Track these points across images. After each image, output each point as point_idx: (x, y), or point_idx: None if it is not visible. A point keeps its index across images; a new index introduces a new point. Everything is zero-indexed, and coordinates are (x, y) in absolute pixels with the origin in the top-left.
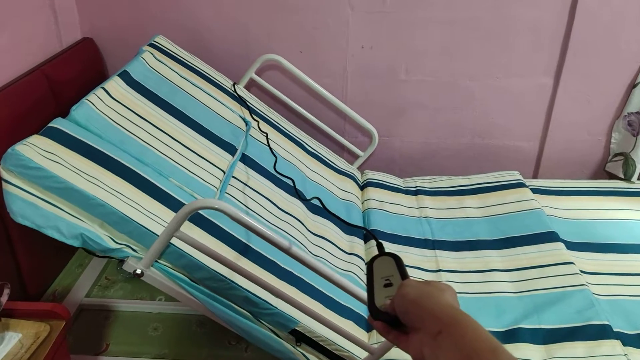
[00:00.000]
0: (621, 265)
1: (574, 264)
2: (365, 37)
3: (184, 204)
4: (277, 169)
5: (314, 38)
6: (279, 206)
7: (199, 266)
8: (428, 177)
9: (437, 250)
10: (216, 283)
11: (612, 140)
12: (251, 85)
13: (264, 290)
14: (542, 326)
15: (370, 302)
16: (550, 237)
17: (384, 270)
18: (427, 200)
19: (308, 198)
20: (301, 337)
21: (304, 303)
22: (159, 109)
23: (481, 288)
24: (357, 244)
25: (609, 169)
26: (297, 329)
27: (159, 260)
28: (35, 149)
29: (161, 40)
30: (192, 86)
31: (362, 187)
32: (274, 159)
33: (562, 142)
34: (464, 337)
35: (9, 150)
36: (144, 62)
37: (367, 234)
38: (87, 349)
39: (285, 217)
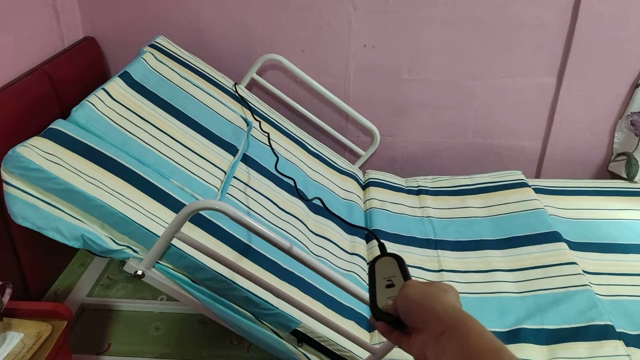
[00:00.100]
0: (624, 265)
1: (576, 264)
2: (368, 36)
3: (184, 205)
4: (278, 169)
5: (316, 37)
6: (280, 206)
7: (200, 267)
8: (430, 177)
9: (439, 250)
10: (217, 284)
11: (615, 140)
12: (252, 85)
13: (265, 291)
14: (545, 326)
15: (372, 303)
16: (553, 237)
17: (386, 270)
18: (429, 200)
19: (309, 198)
20: (303, 338)
21: (305, 303)
22: (159, 109)
23: (483, 288)
24: (358, 244)
25: (611, 169)
26: (298, 329)
27: (160, 261)
28: (36, 150)
29: (162, 41)
30: (193, 86)
31: (364, 187)
32: (275, 159)
33: (564, 141)
34: (467, 338)
35: (10, 152)
36: (144, 62)
37: (369, 234)
38: (89, 348)
39: (286, 218)
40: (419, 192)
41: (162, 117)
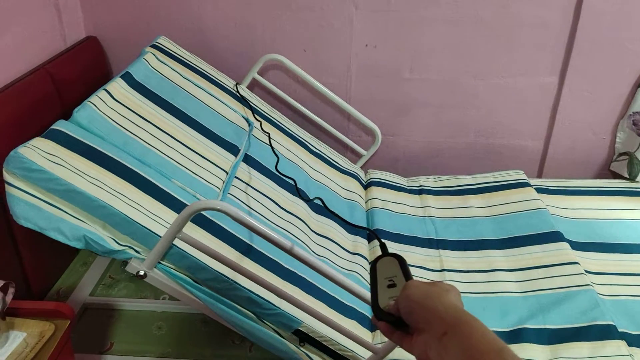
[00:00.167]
0: (626, 265)
1: (578, 263)
2: (370, 35)
3: (186, 205)
4: (279, 169)
5: (318, 37)
6: (282, 206)
7: (202, 267)
8: (432, 177)
9: (441, 250)
10: (219, 284)
11: (617, 140)
12: (254, 85)
13: (267, 291)
14: (547, 326)
15: (374, 303)
16: (555, 236)
17: (388, 270)
18: (431, 199)
19: (310, 198)
20: (305, 337)
21: (307, 303)
22: (161, 110)
23: (486, 288)
24: (360, 244)
25: (613, 169)
26: (300, 329)
27: (162, 262)
28: (38, 151)
29: (163, 41)
30: (195, 87)
31: (366, 187)
32: (276, 159)
33: (566, 141)
34: (470, 338)
35: (12, 152)
36: (146, 63)
37: (370, 234)
38: (91, 347)
39: (288, 217)
40: (420, 191)
41: (164, 117)
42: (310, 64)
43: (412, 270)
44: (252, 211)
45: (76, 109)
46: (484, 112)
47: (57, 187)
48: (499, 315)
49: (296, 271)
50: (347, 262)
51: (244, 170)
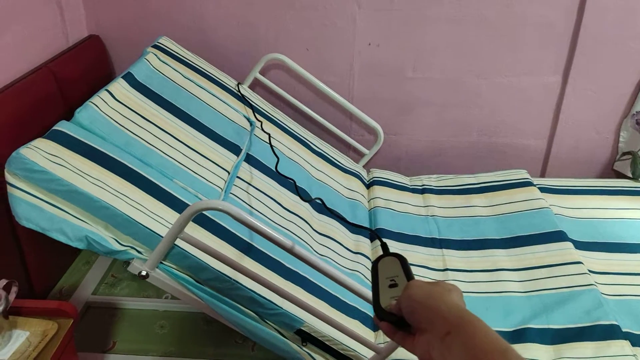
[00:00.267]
0: (630, 264)
1: (582, 263)
2: (372, 34)
3: (188, 205)
4: (281, 169)
5: (320, 36)
6: (284, 206)
7: (204, 267)
8: (435, 176)
9: (444, 249)
10: (221, 284)
11: (620, 139)
12: (256, 85)
13: (269, 291)
14: (551, 326)
15: (376, 303)
16: (558, 236)
17: (389, 270)
18: (433, 198)
19: (312, 198)
20: (307, 337)
21: (309, 303)
22: (163, 110)
23: (489, 287)
24: (363, 243)
25: (617, 168)
26: (302, 328)
27: (164, 262)
28: (40, 152)
29: (165, 42)
30: (196, 87)
31: (368, 186)
32: (277, 159)
33: (570, 140)
34: (473, 339)
35: (14, 153)
36: (147, 63)
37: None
38: (94, 346)
39: (290, 217)
40: (423, 191)
41: (166, 117)
42: (313, 63)
43: (415, 270)
44: (254, 211)
45: (78, 110)
46: (487, 111)
47: (59, 187)
48: (502, 315)
49: (298, 271)
50: (350, 261)
51: (245, 170)
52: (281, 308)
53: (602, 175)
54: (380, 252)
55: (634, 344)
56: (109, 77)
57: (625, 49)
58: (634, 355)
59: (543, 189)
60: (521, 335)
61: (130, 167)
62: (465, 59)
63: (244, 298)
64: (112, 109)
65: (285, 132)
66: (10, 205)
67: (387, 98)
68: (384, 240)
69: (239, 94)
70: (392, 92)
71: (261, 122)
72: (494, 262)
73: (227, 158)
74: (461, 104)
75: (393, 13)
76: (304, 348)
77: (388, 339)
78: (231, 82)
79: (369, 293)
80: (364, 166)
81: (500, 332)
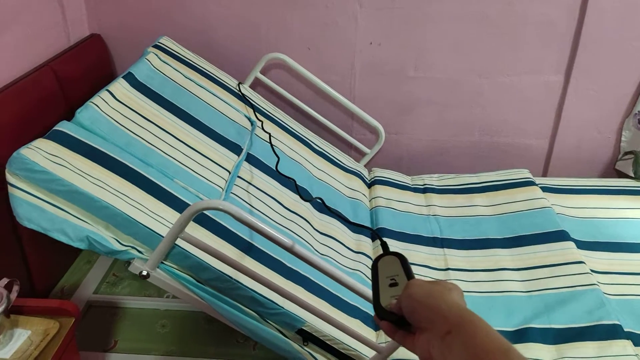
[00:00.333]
0: (632, 264)
1: (584, 263)
2: (374, 33)
3: (188, 205)
4: (281, 169)
5: (322, 35)
6: (285, 205)
7: (205, 267)
8: (436, 175)
9: (445, 249)
10: (222, 283)
11: (622, 139)
12: (257, 85)
13: (270, 290)
14: (553, 326)
15: (376, 302)
16: (560, 236)
17: (389, 269)
18: (435, 198)
19: (312, 197)
20: (308, 337)
21: (310, 302)
22: (163, 110)
23: (490, 287)
24: (364, 243)
25: (619, 168)
26: (304, 328)
27: (165, 262)
28: (40, 152)
29: (166, 42)
30: (197, 86)
31: (370, 185)
32: (277, 159)
33: (571, 140)
34: (474, 338)
35: (14, 154)
36: (148, 63)
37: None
38: (96, 345)
39: (291, 217)
40: (425, 190)
41: (166, 117)
42: (314, 62)
43: (417, 269)
44: (255, 210)
45: (78, 110)
46: (488, 110)
47: (60, 188)
48: (503, 315)
49: (299, 270)
50: (351, 261)
51: (246, 170)
52: (282, 308)
53: (604, 174)
54: (381, 252)
55: (636, 344)
56: (110, 76)
57: (627, 48)
58: (636, 355)
59: (545, 189)
60: (523, 335)
61: (130, 167)
62: (467, 58)
63: (245, 298)
64: (113, 109)
65: (286, 131)
66: (11, 205)
67: (389, 97)
68: (386, 239)
69: (240, 93)
70: (394, 91)
71: (262, 122)
72: (495, 262)
73: (227, 158)
74: (463, 103)
75: (394, 12)
76: (305, 348)
77: (389, 339)
78: (232, 82)
79: (370, 292)
80: (365, 165)
81: (502, 332)
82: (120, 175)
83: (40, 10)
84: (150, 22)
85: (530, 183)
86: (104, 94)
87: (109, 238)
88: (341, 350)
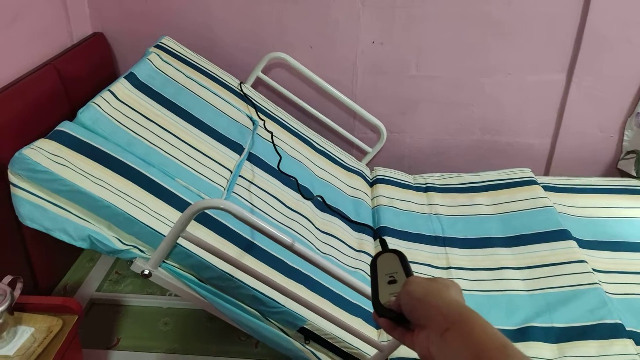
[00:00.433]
0: (634, 263)
1: (586, 262)
2: (376, 32)
3: (190, 204)
4: (283, 168)
5: (324, 33)
6: (287, 205)
7: (207, 266)
8: (438, 174)
9: (447, 248)
10: (224, 282)
11: (625, 138)
12: (258, 84)
13: (272, 289)
14: (554, 325)
15: (375, 299)
16: (562, 235)
17: (388, 267)
18: (437, 197)
19: (313, 196)
20: (310, 335)
21: (312, 301)
22: (165, 109)
23: (492, 286)
24: (366, 242)
25: (621, 167)
26: (305, 327)
27: (167, 261)
28: (42, 152)
29: (167, 41)
30: (199, 86)
31: (372, 184)
32: (279, 157)
33: (574, 139)
34: (472, 334)
35: (16, 154)
36: (150, 63)
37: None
38: (98, 343)
39: (293, 216)
40: (426, 189)
41: (168, 117)
42: (317, 60)
43: (419, 268)
44: (257, 210)
45: (80, 110)
46: (490, 109)
47: (62, 187)
48: (505, 314)
49: (301, 269)
50: (353, 259)
51: (248, 169)
52: (284, 306)
53: (606, 174)
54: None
55: (637, 343)
56: (113, 75)
57: (630, 47)
58: (638, 354)
59: (547, 188)
60: (524, 334)
61: (132, 167)
62: (469, 57)
63: (247, 296)
64: (115, 109)
65: (287, 130)
66: (13, 205)
67: (391, 96)
68: (388, 238)
69: (242, 93)
70: (396, 90)
71: (264, 121)
72: (497, 261)
73: (229, 157)
74: (465, 102)
75: (396, 11)
76: (307, 346)
77: (391, 337)
78: (233, 81)
79: (369, 290)
80: (367, 164)
81: (503, 331)
82: (121, 175)
83: (42, 8)
84: (152, 21)
85: (532, 182)
86: (105, 94)
87: (111, 237)
88: (343, 349)
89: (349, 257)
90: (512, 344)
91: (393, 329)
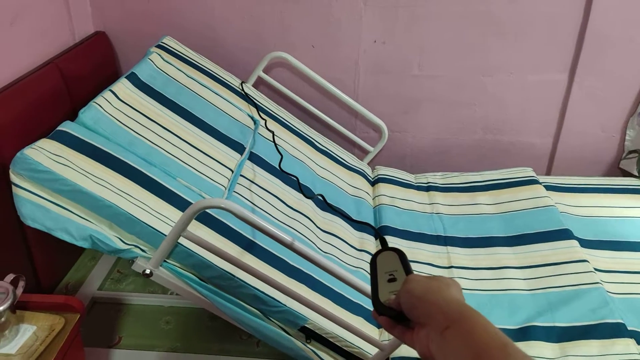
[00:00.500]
0: (636, 263)
1: (588, 261)
2: (378, 31)
3: (191, 204)
4: (284, 167)
5: (326, 33)
6: (288, 204)
7: (208, 265)
8: (440, 173)
9: (449, 247)
10: (225, 281)
11: (627, 138)
12: (260, 84)
13: (273, 288)
14: (556, 324)
15: (375, 298)
16: (564, 234)
17: (388, 265)
18: (438, 196)
19: (314, 194)
20: (311, 334)
21: (313, 300)
22: (166, 109)
23: (494, 285)
24: (367, 241)
25: (623, 167)
26: (306, 326)
27: (168, 260)
28: (44, 152)
29: (169, 41)
30: (200, 86)
31: (374, 183)
32: (280, 157)
33: (576, 138)
34: (473, 333)
35: (18, 154)
36: (151, 63)
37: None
38: (100, 341)
39: (294, 215)
40: (428, 188)
41: (169, 116)
42: (319, 59)
43: (420, 267)
44: (258, 209)
45: (81, 110)
46: (492, 108)
47: (63, 187)
48: (507, 313)
49: (302, 268)
50: (354, 258)
51: (249, 169)
52: (285, 305)
53: (608, 173)
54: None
55: (639, 342)
56: (115, 74)
57: (632, 46)
58: None
59: (549, 187)
60: (526, 333)
61: (133, 167)
62: (471, 56)
63: (248, 296)
64: (116, 109)
65: (289, 130)
66: (15, 205)
67: (393, 95)
68: (390, 238)
69: (243, 92)
70: (398, 89)
71: (265, 121)
72: (499, 260)
73: (230, 157)
74: (466, 102)
75: (399, 10)
76: (308, 345)
77: (392, 336)
78: (235, 81)
79: (370, 289)
80: (368, 163)
81: (505, 330)
82: (123, 175)
83: (44, 7)
84: (154, 20)
85: (534, 182)
86: (106, 94)
87: (112, 237)
88: (344, 348)
89: (350, 256)
90: (513, 343)
91: (393, 327)
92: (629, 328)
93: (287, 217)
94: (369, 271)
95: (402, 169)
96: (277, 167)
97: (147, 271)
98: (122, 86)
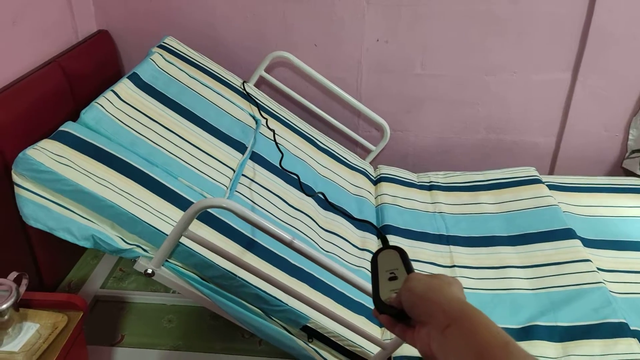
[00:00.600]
0: (638, 263)
1: (590, 261)
2: (381, 30)
3: (193, 204)
4: (285, 166)
5: (328, 32)
6: (290, 203)
7: (210, 265)
8: (442, 173)
9: (451, 246)
10: (227, 281)
11: (630, 137)
12: (261, 83)
13: (275, 287)
14: (559, 324)
15: (376, 296)
16: (566, 234)
17: (389, 263)
18: (441, 195)
19: (315, 192)
20: (313, 333)
21: (315, 299)
22: (168, 109)
23: (496, 284)
24: (369, 240)
25: (625, 166)
26: (308, 325)
27: (170, 260)
28: (46, 152)
29: (170, 41)
30: (202, 86)
31: (376, 182)
32: (281, 155)
33: (578, 138)
34: (474, 331)
35: (20, 154)
36: (153, 63)
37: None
38: (103, 339)
39: (296, 214)
40: (430, 187)
41: (171, 116)
42: (321, 59)
43: (423, 266)
44: (260, 208)
45: (83, 111)
46: (495, 108)
47: (65, 187)
48: (509, 312)
49: (304, 267)
50: (356, 257)
51: (251, 168)
52: (287, 305)
53: (611, 173)
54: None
55: None
56: (118, 73)
57: (635, 46)
58: None
59: (551, 187)
60: (529, 333)
61: (135, 167)
62: (474, 55)
63: (250, 295)
64: (118, 109)
65: (290, 129)
66: (17, 205)
67: (395, 94)
68: (392, 237)
69: (245, 92)
70: (400, 88)
71: (266, 120)
72: (501, 259)
73: (232, 156)
74: (469, 101)
75: (401, 9)
76: (310, 344)
77: (394, 335)
78: (237, 81)
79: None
80: (370, 162)
81: (507, 329)
82: (125, 175)
83: (47, 5)
84: (157, 19)
85: (537, 181)
86: (108, 94)
87: (114, 237)
88: (346, 347)
89: (352, 255)
90: (514, 341)
91: (394, 326)
92: (631, 328)
93: (289, 216)
94: (370, 270)
95: (405, 168)
96: (278, 166)
97: (149, 271)
98: (124, 86)
